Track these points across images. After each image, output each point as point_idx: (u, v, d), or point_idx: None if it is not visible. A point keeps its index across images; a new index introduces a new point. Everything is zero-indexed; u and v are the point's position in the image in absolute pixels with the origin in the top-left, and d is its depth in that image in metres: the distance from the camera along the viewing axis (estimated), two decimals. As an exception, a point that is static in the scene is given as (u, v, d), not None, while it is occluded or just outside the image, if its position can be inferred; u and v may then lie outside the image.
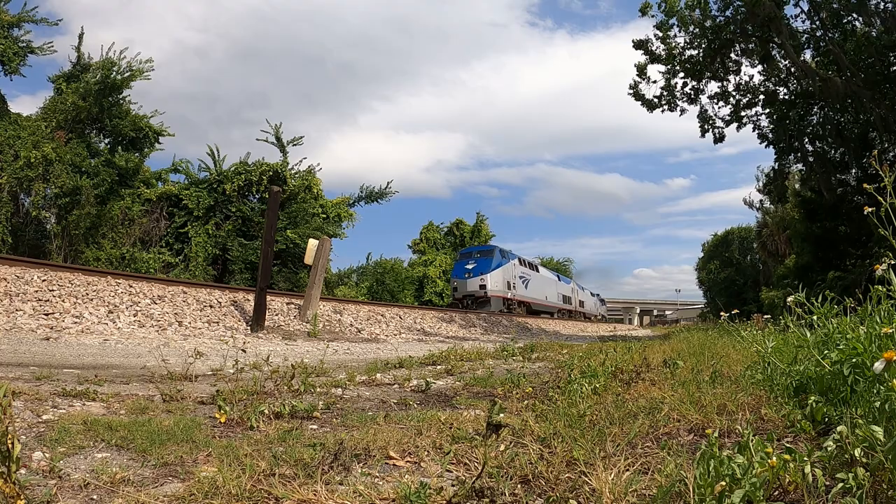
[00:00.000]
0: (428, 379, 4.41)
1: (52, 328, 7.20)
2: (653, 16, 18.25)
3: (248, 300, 11.16)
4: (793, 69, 17.67)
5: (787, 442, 2.01)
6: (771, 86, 19.41)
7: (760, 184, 32.20)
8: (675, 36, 18.57)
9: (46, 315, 7.75)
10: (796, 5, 17.51)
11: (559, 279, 40.58)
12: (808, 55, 18.00)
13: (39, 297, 8.22)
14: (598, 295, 60.58)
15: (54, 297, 8.40)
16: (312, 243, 12.81)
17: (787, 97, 19.50)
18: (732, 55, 18.79)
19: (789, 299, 2.85)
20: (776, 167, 21.83)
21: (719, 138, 19.88)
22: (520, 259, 32.01)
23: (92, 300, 8.78)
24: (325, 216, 25.10)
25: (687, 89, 19.49)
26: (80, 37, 20.52)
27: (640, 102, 19.78)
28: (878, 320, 2.25)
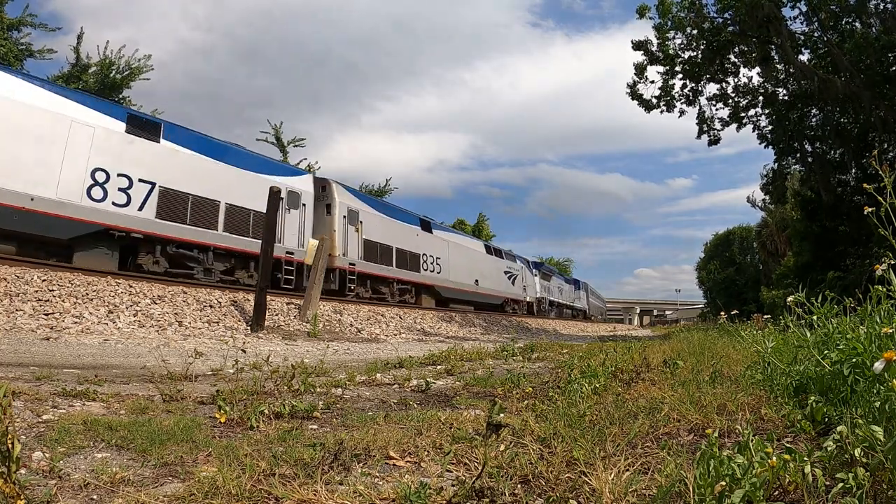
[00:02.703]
0: (428, 379, 4.41)
1: (52, 328, 7.19)
2: (650, 18, 18.29)
3: (248, 300, 11.16)
4: (791, 70, 17.68)
5: (787, 442, 2.01)
6: (770, 87, 19.44)
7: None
8: (674, 38, 18.62)
9: (46, 315, 7.75)
10: (794, 7, 17.55)
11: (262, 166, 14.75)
12: (805, 56, 18.04)
13: (39, 297, 8.22)
14: (566, 277, 41.75)
15: (54, 297, 8.40)
16: (312, 243, 12.82)
17: (786, 98, 19.53)
18: (731, 57, 18.82)
19: (789, 299, 2.84)
20: (776, 167, 21.86)
21: (714, 141, 19.94)
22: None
23: (92, 300, 8.77)
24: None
25: (686, 90, 19.53)
26: (80, 37, 20.56)
27: (637, 103, 19.82)
28: (878, 320, 2.25)
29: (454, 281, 22.59)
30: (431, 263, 21.13)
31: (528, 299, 30.85)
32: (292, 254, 14.74)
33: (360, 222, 17.39)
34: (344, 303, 14.88)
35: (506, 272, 28.36)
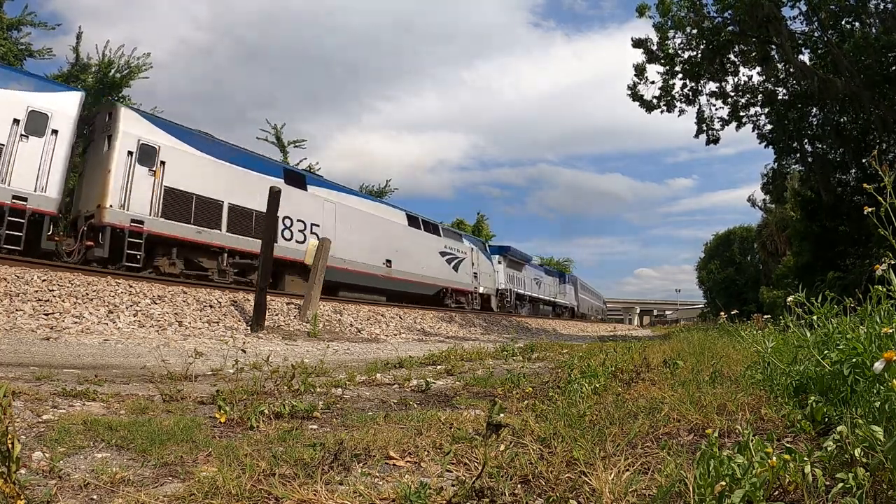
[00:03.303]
0: (428, 379, 4.41)
1: (52, 328, 7.19)
2: (650, 17, 18.33)
3: (248, 300, 11.16)
4: (791, 70, 17.70)
5: (787, 442, 2.01)
6: (770, 86, 19.46)
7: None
8: (674, 37, 18.65)
9: (46, 315, 7.74)
10: (794, 7, 17.57)
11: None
12: (805, 56, 18.06)
13: (39, 297, 8.22)
14: (548, 269, 36.90)
15: (54, 297, 8.40)
16: (312, 243, 12.82)
17: (786, 98, 19.54)
18: (731, 56, 18.84)
19: (789, 299, 2.84)
20: (776, 167, 21.87)
21: (713, 140, 19.96)
22: None
23: (92, 300, 8.77)
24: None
25: (685, 90, 19.55)
26: (79, 37, 20.54)
27: (638, 103, 19.84)
28: (878, 320, 2.25)
29: (346, 259, 16.09)
30: (302, 231, 15.07)
31: (480, 290, 24.17)
32: (25, 200, 10.28)
33: (162, 163, 12.32)
34: (344, 303, 14.87)
35: (443, 253, 21.37)
